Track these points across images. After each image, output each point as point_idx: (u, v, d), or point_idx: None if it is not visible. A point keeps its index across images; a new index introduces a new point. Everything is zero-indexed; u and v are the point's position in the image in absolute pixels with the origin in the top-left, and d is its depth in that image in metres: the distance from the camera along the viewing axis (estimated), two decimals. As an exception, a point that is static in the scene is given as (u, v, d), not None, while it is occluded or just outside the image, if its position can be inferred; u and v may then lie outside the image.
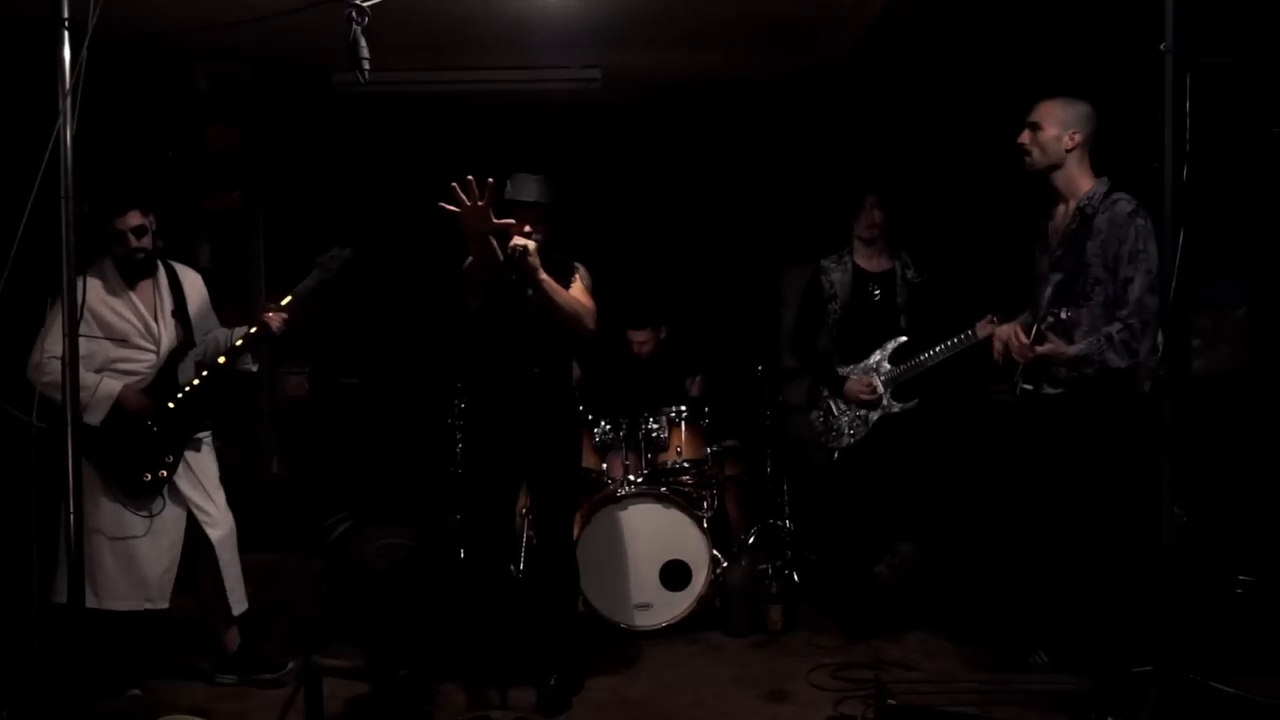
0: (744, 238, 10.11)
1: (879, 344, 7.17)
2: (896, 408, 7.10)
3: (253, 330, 6.06)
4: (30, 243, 4.37)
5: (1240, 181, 6.22)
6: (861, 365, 7.19)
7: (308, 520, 8.25)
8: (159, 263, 6.15)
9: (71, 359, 4.48)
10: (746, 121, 9.72)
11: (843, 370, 7.24)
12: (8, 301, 4.41)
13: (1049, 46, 7.18)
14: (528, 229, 5.93)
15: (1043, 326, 5.57)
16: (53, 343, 5.43)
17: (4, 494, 5.33)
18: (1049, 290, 5.79)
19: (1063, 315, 5.51)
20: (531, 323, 6.07)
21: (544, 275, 5.94)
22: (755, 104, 9.44)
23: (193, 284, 6.28)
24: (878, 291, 7.27)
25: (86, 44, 4.37)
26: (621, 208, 9.90)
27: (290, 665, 6.24)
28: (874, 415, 7.14)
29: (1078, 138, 5.70)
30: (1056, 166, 5.77)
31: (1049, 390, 5.74)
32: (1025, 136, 5.77)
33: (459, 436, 8.10)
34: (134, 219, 5.97)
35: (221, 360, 6.05)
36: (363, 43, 5.04)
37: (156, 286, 6.12)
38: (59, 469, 4.47)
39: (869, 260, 7.36)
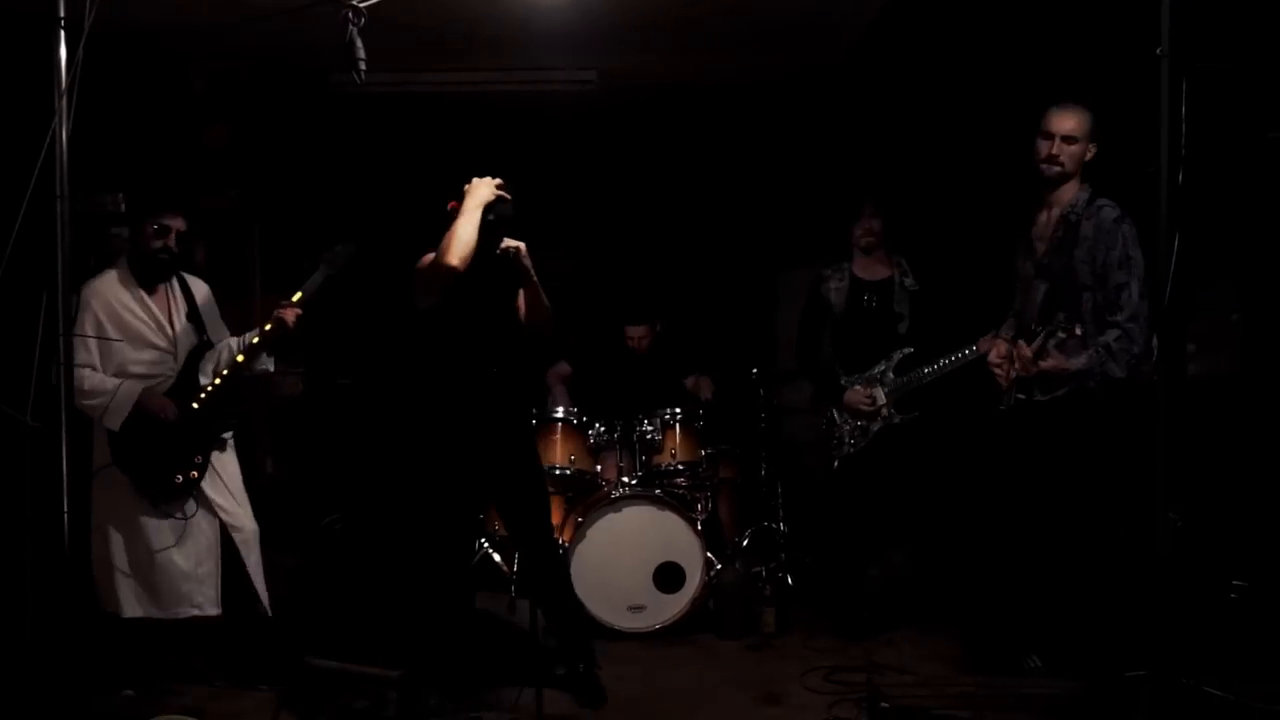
0: (739, 239, 10.11)
1: (879, 353, 7.19)
2: (898, 419, 7.11)
3: (268, 327, 6.06)
4: (26, 242, 4.37)
5: (1235, 186, 6.23)
6: (865, 375, 7.20)
7: (302, 521, 8.24)
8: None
9: (66, 358, 4.50)
10: (741, 123, 9.72)
11: (845, 380, 7.25)
12: (2, 302, 4.41)
13: (1045, 51, 7.18)
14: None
15: (1050, 344, 5.58)
16: (77, 351, 5.47)
17: (4, 495, 5.34)
18: (1040, 298, 5.79)
19: (1077, 330, 5.51)
20: (491, 323, 6.14)
21: (534, 276, 6.01)
22: (750, 106, 9.44)
23: (201, 291, 6.29)
24: (874, 301, 7.26)
25: (83, 43, 4.37)
26: (616, 208, 9.90)
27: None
28: (875, 426, 7.15)
29: (1093, 150, 5.73)
30: (1072, 177, 5.79)
31: (1040, 398, 5.75)
32: (1057, 147, 5.75)
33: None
34: (174, 221, 6.01)
35: (240, 359, 6.07)
36: (359, 43, 5.06)
37: (170, 291, 6.13)
38: (75, 472, 4.49)
39: (866, 269, 7.37)
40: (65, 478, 4.42)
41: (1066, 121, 5.77)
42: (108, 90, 5.57)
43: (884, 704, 5.29)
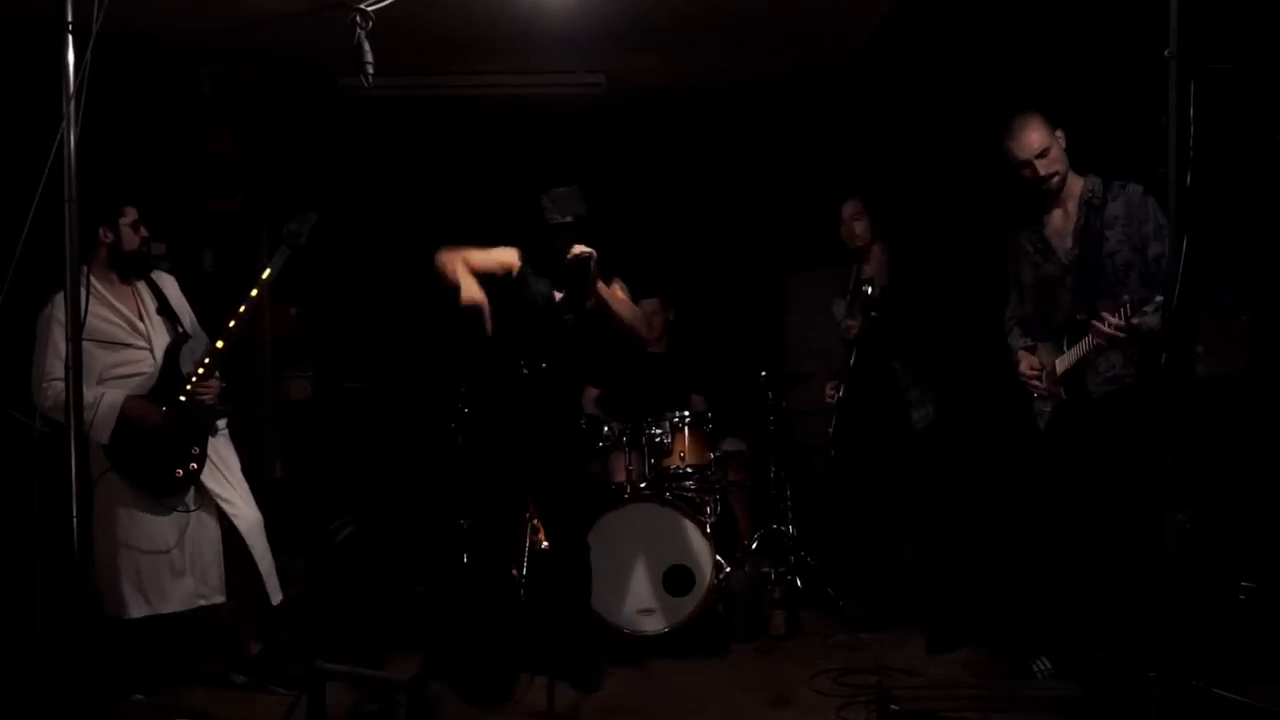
0: (748, 242, 10.10)
1: None
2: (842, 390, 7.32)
3: (241, 310, 6.05)
4: (33, 246, 4.37)
5: (1243, 187, 6.23)
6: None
7: (311, 525, 8.25)
8: None
9: (75, 362, 4.50)
10: (750, 126, 9.72)
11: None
12: (11, 306, 4.41)
13: (1055, 51, 7.18)
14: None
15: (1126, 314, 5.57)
16: (50, 365, 5.48)
17: (13, 499, 5.35)
18: (1070, 293, 5.80)
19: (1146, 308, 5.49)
20: (535, 324, 6.17)
21: (602, 284, 6.03)
22: (760, 108, 9.44)
23: (169, 284, 6.30)
24: (869, 289, 7.28)
25: (90, 48, 4.38)
26: (625, 211, 9.90)
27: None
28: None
29: (1062, 137, 5.77)
30: (1068, 173, 5.82)
31: (1093, 389, 5.75)
32: (1043, 165, 5.77)
33: (460, 440, 8.08)
34: (132, 213, 6.04)
35: (220, 344, 6.03)
36: (367, 47, 5.06)
37: (135, 289, 6.13)
38: (83, 477, 4.51)
39: (868, 266, 7.45)
40: (74, 482, 4.43)
41: (1028, 142, 5.79)
42: (115, 94, 5.58)
43: (894, 706, 5.28)
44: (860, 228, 7.39)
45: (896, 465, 7.28)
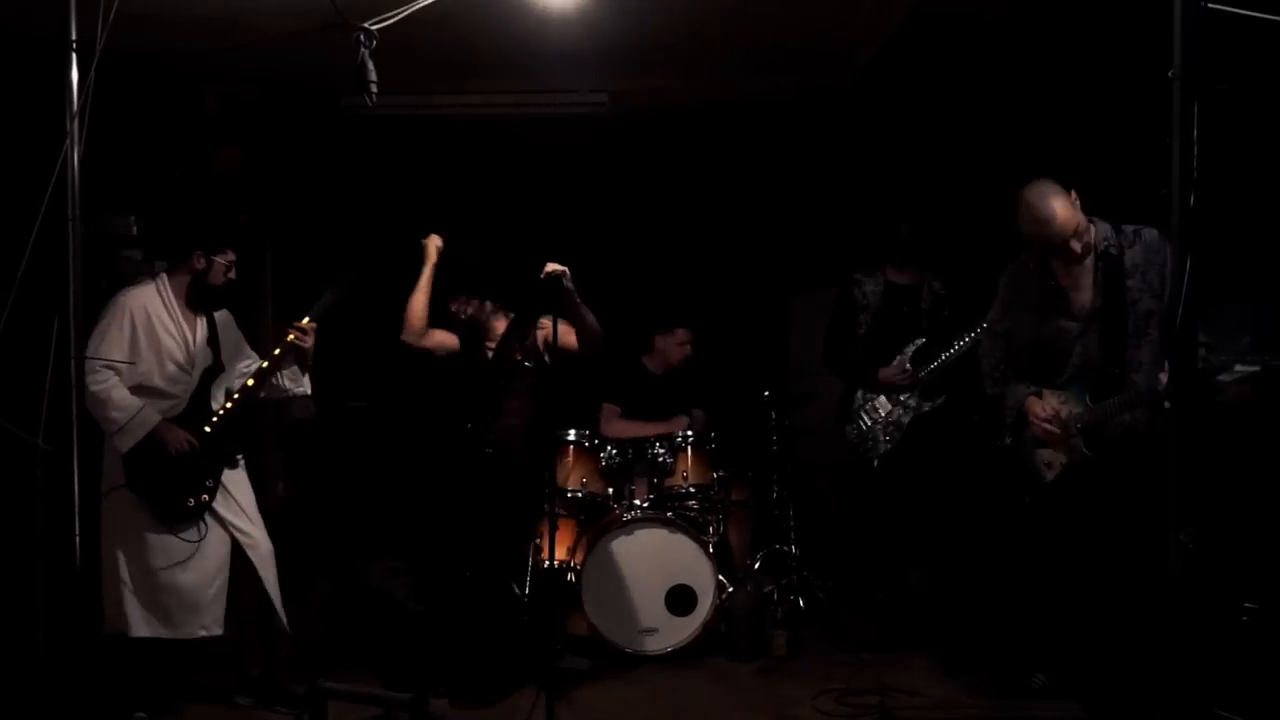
0: (751, 263, 10.10)
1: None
2: (926, 407, 7.33)
3: (276, 352, 6.11)
4: (38, 265, 4.38)
5: (1247, 208, 6.22)
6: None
7: (313, 544, 8.24)
8: None
9: (77, 380, 4.50)
10: (754, 146, 9.72)
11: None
12: (14, 324, 4.41)
13: (1058, 70, 7.19)
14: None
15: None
16: (107, 349, 5.53)
17: (17, 516, 5.35)
18: (1086, 344, 5.72)
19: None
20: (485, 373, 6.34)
21: (578, 300, 6.14)
22: (763, 129, 9.44)
23: (221, 315, 6.34)
24: (905, 306, 7.49)
25: (94, 66, 4.38)
26: (628, 231, 9.89)
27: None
28: (906, 418, 7.35)
29: (1075, 195, 5.60)
30: (1084, 229, 5.66)
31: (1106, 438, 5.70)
32: (1078, 245, 5.60)
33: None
34: (231, 255, 6.14)
35: (250, 383, 6.09)
36: (370, 66, 5.07)
37: (196, 317, 6.17)
38: (86, 494, 4.50)
39: (900, 275, 7.61)
40: (76, 499, 4.43)
41: (1063, 221, 5.55)
42: (120, 112, 5.58)
43: (895, 726, 5.29)
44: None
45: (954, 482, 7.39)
